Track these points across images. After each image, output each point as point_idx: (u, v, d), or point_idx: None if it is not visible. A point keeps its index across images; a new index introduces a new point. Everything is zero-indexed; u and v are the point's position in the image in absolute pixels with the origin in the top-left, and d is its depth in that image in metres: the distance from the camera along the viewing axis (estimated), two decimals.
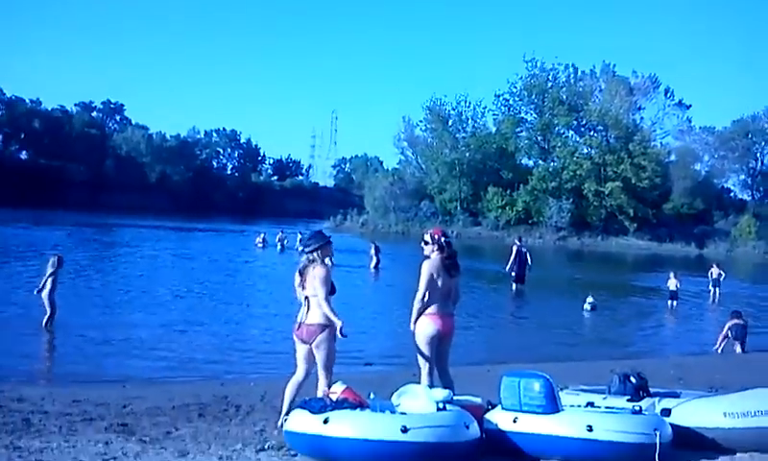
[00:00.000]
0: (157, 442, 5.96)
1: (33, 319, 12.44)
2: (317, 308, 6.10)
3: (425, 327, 6.37)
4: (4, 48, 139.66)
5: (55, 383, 8.47)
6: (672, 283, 20.06)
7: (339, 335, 6.06)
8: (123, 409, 7.21)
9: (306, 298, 6.16)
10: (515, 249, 22.22)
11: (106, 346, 11.12)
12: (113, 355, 10.53)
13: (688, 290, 22.44)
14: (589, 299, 18.14)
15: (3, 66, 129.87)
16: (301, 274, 6.21)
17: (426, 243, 6.57)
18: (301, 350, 6.26)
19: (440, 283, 6.37)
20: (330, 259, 6.43)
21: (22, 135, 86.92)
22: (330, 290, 6.16)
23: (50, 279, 12.24)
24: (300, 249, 6.41)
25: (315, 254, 6.20)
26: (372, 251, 27.03)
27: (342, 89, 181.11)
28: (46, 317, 12.06)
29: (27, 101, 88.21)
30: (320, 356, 6.13)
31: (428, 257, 6.50)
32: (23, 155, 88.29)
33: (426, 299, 6.36)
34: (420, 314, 6.37)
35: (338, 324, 6.04)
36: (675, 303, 19.91)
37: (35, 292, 12.44)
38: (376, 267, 26.35)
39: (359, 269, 25.78)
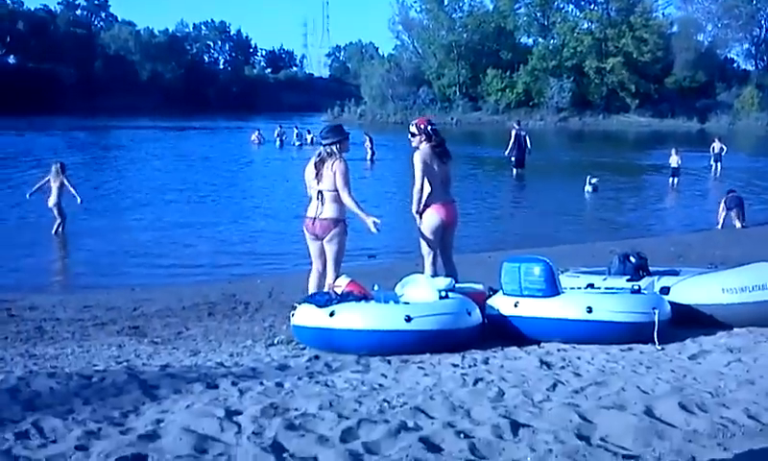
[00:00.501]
0: (169, 342, 6.13)
1: (36, 227, 12.54)
2: (331, 203, 6.04)
3: (430, 218, 6.38)
4: None
5: (64, 290, 8.61)
6: (673, 160, 20.00)
7: (372, 230, 6.02)
8: (133, 312, 7.37)
9: (320, 192, 6.06)
10: (513, 133, 22.08)
11: (110, 251, 11.22)
12: (119, 260, 10.65)
13: (690, 166, 22.40)
14: (592, 180, 18.14)
15: None
16: (317, 167, 6.10)
17: (413, 134, 6.51)
18: (315, 246, 6.21)
19: (435, 171, 6.35)
20: None
21: (7, 39, 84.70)
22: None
23: (55, 187, 12.21)
24: (319, 142, 6.25)
25: (334, 147, 6.08)
26: (367, 143, 26.62)
27: None
28: (56, 224, 12.16)
29: (8, 2, 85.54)
30: (331, 250, 6.11)
31: (417, 149, 6.46)
32: (11, 59, 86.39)
33: (425, 189, 6.36)
34: (421, 204, 6.37)
35: (368, 220, 6.00)
36: (676, 180, 19.91)
37: (27, 195, 12.56)
38: (372, 159, 26.09)
39: (355, 162, 25.60)
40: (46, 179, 12.38)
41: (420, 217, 6.43)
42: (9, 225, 13.24)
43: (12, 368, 4.97)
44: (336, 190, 6.01)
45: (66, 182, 12.40)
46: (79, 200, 12.49)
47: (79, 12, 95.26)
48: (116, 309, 7.49)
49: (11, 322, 6.92)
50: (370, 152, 26.33)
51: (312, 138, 32.58)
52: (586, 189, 17.99)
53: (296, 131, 34.47)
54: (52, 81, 77.68)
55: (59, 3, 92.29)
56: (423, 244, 6.47)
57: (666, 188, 19.75)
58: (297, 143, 33.44)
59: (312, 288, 6.30)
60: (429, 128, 6.47)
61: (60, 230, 12.18)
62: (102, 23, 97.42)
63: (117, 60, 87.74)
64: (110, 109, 64.32)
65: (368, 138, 26.90)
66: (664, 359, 4.84)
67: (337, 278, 6.05)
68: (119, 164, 25.85)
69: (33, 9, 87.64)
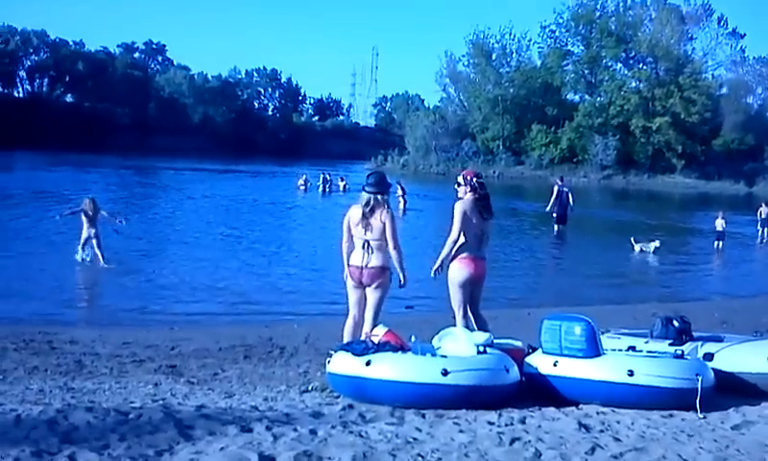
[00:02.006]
0: (205, 383, 6.16)
1: (76, 261, 12.83)
2: (378, 252, 6.08)
3: (458, 271, 6.38)
4: None
5: (105, 326, 8.73)
6: (719, 223, 19.64)
7: (402, 283, 6.14)
8: (171, 351, 7.44)
9: (367, 242, 6.09)
10: (555, 189, 21.97)
11: (151, 288, 11.40)
12: (159, 297, 10.78)
13: (736, 231, 21.98)
14: (656, 243, 17.79)
15: (47, 10, 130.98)
16: (365, 216, 6.12)
17: (459, 185, 6.54)
18: (356, 293, 6.25)
19: (471, 226, 6.34)
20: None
21: (67, 78, 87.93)
22: None
23: (86, 221, 12.55)
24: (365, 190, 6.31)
25: (382, 197, 6.13)
26: (399, 192, 26.35)
27: (382, 25, 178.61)
28: (100, 258, 12.54)
29: (71, 43, 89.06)
30: (375, 298, 6.13)
31: (461, 199, 6.48)
32: (68, 98, 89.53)
33: (460, 241, 6.36)
34: (450, 257, 6.38)
35: (402, 275, 6.11)
36: (721, 243, 19.52)
37: (57, 217, 13.24)
38: (404, 209, 25.83)
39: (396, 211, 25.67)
40: (78, 209, 12.86)
41: (444, 268, 6.43)
42: (53, 257, 13.51)
43: (51, 400, 5.05)
44: (382, 239, 6.05)
45: (104, 213, 13.01)
46: (120, 221, 13.31)
47: (137, 54, 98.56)
48: (154, 347, 7.56)
49: (51, 354, 7.04)
50: (402, 201, 26.23)
51: (345, 186, 32.83)
52: (636, 250, 17.67)
53: (341, 181, 34.73)
54: (107, 120, 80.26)
55: (118, 46, 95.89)
56: (452, 297, 6.46)
57: (711, 252, 19.36)
58: (322, 188, 33.69)
59: (347, 336, 6.29)
60: (475, 181, 6.49)
61: (103, 260, 12.52)
62: (158, 67, 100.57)
63: (170, 102, 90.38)
64: (162, 149, 65.97)
65: (399, 188, 26.67)
66: (707, 428, 4.70)
67: (375, 325, 6.04)
68: (165, 203, 26.44)
69: (93, 50, 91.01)
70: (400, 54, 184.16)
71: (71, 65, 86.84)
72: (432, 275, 6.49)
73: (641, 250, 17.74)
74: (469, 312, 6.49)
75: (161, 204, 26.30)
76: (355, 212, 6.19)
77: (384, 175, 6.51)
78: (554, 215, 21.73)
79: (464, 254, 6.37)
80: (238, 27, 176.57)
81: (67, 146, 57.57)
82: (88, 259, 12.62)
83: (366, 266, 6.12)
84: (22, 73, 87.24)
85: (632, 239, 18.18)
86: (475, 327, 6.33)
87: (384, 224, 6.03)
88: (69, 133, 69.81)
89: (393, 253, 6.07)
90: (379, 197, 6.12)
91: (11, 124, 66.80)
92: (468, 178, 6.53)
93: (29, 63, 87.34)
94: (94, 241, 12.59)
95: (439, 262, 6.47)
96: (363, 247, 6.12)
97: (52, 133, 67.76)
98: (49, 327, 8.29)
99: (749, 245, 21.28)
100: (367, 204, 6.13)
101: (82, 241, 12.65)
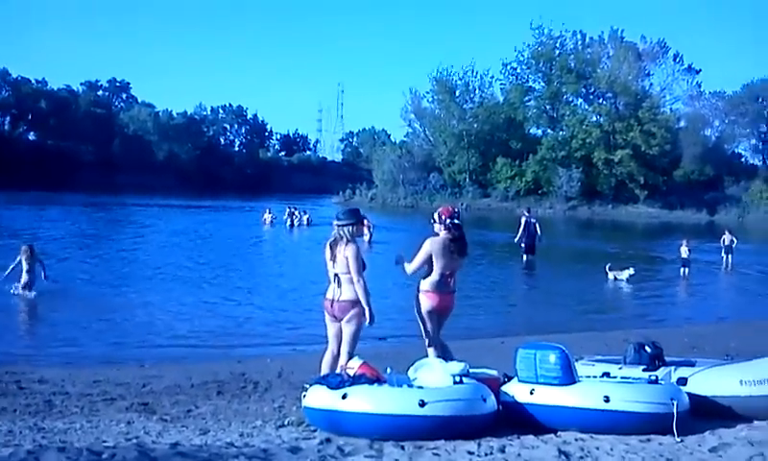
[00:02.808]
0: (178, 420, 6.05)
1: (46, 299, 12.60)
2: (348, 285, 6.09)
3: (422, 303, 6.48)
4: (8, 29, 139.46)
5: (74, 364, 8.55)
6: (684, 251, 20.02)
7: (366, 323, 6.10)
8: (143, 389, 7.31)
9: (336, 275, 6.13)
10: (523, 220, 22.24)
11: (118, 326, 11.21)
12: (128, 334, 10.61)
13: (701, 258, 22.41)
14: (630, 271, 18.02)
15: (7, 47, 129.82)
16: (332, 248, 6.18)
17: (434, 221, 6.60)
18: (333, 327, 6.26)
19: (440, 264, 6.40)
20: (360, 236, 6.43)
21: (29, 116, 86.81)
22: (362, 266, 6.15)
23: (24, 270, 13.19)
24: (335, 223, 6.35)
25: (346, 230, 6.15)
26: (365, 223, 26.42)
27: (347, 62, 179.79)
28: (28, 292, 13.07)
29: (33, 81, 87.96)
30: (348, 331, 6.14)
31: (437, 234, 6.52)
32: (31, 136, 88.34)
33: (423, 273, 6.41)
34: (417, 289, 6.47)
35: (367, 311, 6.04)
36: (687, 270, 19.87)
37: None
38: (369, 241, 26.02)
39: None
40: (18, 259, 13.30)
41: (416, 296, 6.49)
42: (13, 297, 13.24)
43: (22, 441, 4.92)
44: (350, 273, 6.06)
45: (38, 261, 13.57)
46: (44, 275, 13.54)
47: (100, 92, 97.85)
48: (125, 385, 7.43)
49: (20, 394, 6.88)
50: (368, 234, 26.22)
51: (308, 220, 32.74)
52: (609, 278, 17.87)
53: (305, 215, 34.59)
54: (71, 158, 79.20)
55: (81, 84, 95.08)
56: (422, 328, 6.54)
57: (677, 279, 19.68)
58: (289, 222, 33.49)
59: (325, 369, 6.26)
60: (449, 221, 6.53)
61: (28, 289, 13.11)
62: (122, 104, 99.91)
63: (135, 139, 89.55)
64: (127, 186, 65.24)
65: (365, 220, 26.60)
66: (684, 452, 4.75)
67: (350, 359, 6.02)
68: (130, 240, 25.99)
69: (56, 88, 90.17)
70: (366, 90, 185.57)
71: (33, 103, 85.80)
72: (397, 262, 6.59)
73: (615, 278, 17.96)
74: (435, 345, 6.52)
75: (126, 240, 25.88)
76: (327, 246, 6.25)
77: (354, 209, 6.57)
78: (522, 246, 21.96)
79: (428, 289, 6.45)
80: (203, 64, 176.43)
81: (30, 184, 56.57)
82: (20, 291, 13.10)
83: (336, 300, 6.14)
84: None
85: (606, 267, 18.39)
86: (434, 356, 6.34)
87: (347, 258, 6.06)
88: (32, 171, 68.66)
89: (356, 286, 6.06)
90: (344, 230, 6.15)
91: None
92: (444, 217, 6.56)
93: None
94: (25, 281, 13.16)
95: (405, 266, 6.56)
96: (333, 280, 6.16)
97: (14, 171, 66.59)
98: (16, 367, 8.09)
99: (714, 272, 21.68)
100: (333, 236, 6.22)
101: (21, 282, 13.21)
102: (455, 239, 6.49)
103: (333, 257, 6.15)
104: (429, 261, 6.39)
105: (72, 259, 19.04)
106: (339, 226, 6.20)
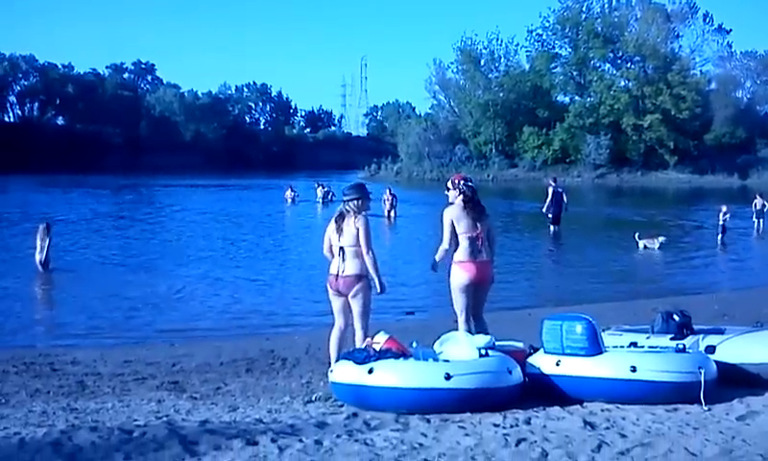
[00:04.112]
0: (208, 398, 6.15)
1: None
2: (353, 259, 6.09)
3: (457, 276, 6.38)
4: (33, 16, 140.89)
5: (105, 345, 8.70)
6: (722, 217, 19.66)
7: (378, 290, 6.10)
8: (173, 367, 7.42)
9: (341, 248, 6.13)
10: (550, 190, 22.01)
11: (149, 305, 11.33)
12: (157, 313, 10.75)
13: (732, 224, 21.98)
14: (661, 238, 17.82)
15: (33, 34, 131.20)
16: (337, 223, 6.19)
17: (449, 189, 6.57)
18: (338, 301, 6.27)
19: (462, 228, 6.33)
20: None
21: (57, 101, 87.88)
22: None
23: (39, 246, 13.69)
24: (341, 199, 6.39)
25: (353, 204, 6.17)
26: (386, 196, 26.10)
27: (370, 36, 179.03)
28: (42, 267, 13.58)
29: (59, 66, 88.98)
30: (356, 306, 6.15)
31: (452, 204, 6.48)
32: (59, 120, 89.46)
33: (453, 246, 6.35)
34: (440, 257, 6.41)
35: (378, 282, 6.07)
36: (723, 236, 19.53)
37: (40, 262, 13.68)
38: (389, 215, 25.70)
39: (373, 218, 25.27)
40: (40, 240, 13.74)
41: (437, 268, 6.45)
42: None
43: (55, 422, 5.03)
44: (357, 246, 6.07)
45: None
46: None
47: (126, 75, 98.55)
48: (156, 364, 7.55)
49: (53, 376, 7.02)
50: (388, 206, 26.09)
51: (332, 196, 32.27)
52: (640, 247, 17.68)
53: (319, 187, 34.31)
54: (99, 141, 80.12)
55: (107, 67, 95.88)
56: (454, 301, 6.46)
57: (708, 246, 19.39)
58: (321, 199, 33.22)
59: (333, 345, 6.31)
60: (463, 184, 6.49)
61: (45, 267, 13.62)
62: (148, 86, 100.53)
63: (162, 121, 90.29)
64: (154, 167, 65.84)
65: (388, 192, 26.43)
66: (712, 420, 4.71)
67: (366, 333, 6.04)
68: (156, 220, 26.25)
69: (82, 72, 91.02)
70: (389, 63, 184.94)
71: (61, 88, 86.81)
72: (434, 270, 6.49)
73: (645, 246, 17.74)
74: (477, 320, 6.47)
75: (153, 221, 26.14)
76: (332, 221, 6.28)
77: (360, 184, 6.55)
78: (549, 216, 21.78)
79: (462, 259, 6.36)
80: (227, 43, 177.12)
81: (60, 168, 57.42)
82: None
83: (341, 274, 6.14)
84: (12, 98, 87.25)
85: (636, 235, 18.17)
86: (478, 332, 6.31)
87: (357, 230, 6.06)
88: (62, 155, 69.65)
89: (365, 258, 6.07)
90: (351, 204, 6.17)
91: (2, 148, 66.72)
92: (457, 181, 6.54)
93: (18, 88, 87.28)
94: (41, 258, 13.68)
95: (434, 260, 6.47)
96: (338, 254, 6.15)
97: (44, 155, 67.61)
98: (49, 348, 8.28)
99: (746, 237, 21.31)
100: (339, 210, 6.27)
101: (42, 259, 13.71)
102: (469, 200, 6.44)
103: (339, 230, 6.15)
104: (454, 231, 6.35)
105: (99, 240, 19.35)
106: (346, 201, 6.23)
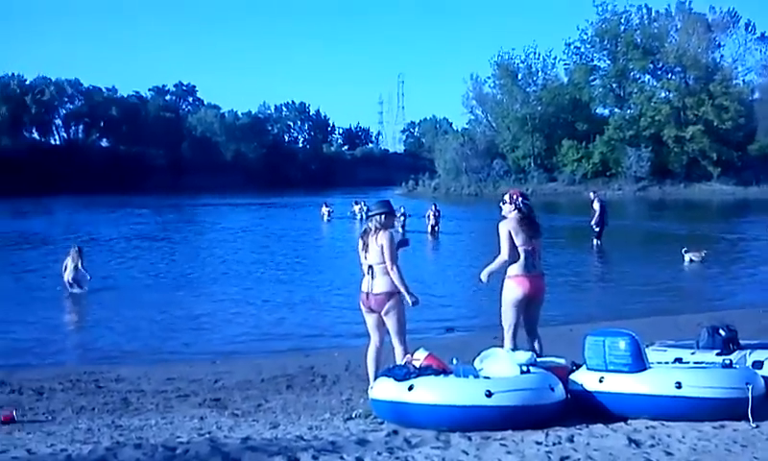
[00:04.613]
0: (249, 415, 6.19)
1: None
2: (382, 276, 6.06)
3: (511, 290, 6.35)
4: (78, 41, 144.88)
5: (148, 362, 8.83)
6: None
7: (410, 304, 6.06)
8: (214, 384, 7.50)
9: (370, 266, 6.10)
10: (598, 203, 21.68)
11: (187, 323, 11.44)
12: (196, 332, 10.83)
13: None
14: (700, 252, 17.54)
15: (79, 58, 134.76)
16: (363, 240, 6.18)
17: (504, 202, 6.53)
18: (371, 319, 6.25)
19: (520, 241, 6.30)
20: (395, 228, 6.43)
21: (101, 124, 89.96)
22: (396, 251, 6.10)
23: (69, 266, 14.02)
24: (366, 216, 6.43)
25: (377, 220, 6.13)
26: (430, 212, 26.14)
27: (407, 53, 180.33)
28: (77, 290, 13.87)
29: (103, 90, 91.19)
30: (391, 323, 6.12)
31: (505, 217, 6.45)
32: (104, 143, 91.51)
33: (510, 260, 6.31)
34: (504, 276, 6.34)
35: (407, 297, 6.01)
36: None
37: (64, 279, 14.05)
38: (432, 232, 25.60)
39: (416, 234, 25.22)
40: (71, 262, 14.09)
41: (490, 280, 6.39)
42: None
43: (100, 439, 5.12)
44: (383, 262, 6.05)
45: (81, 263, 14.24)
46: (89, 277, 14.22)
47: (168, 97, 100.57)
48: (198, 381, 7.64)
49: (98, 393, 7.15)
50: (432, 221, 26.03)
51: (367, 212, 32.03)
52: (686, 261, 17.38)
53: (358, 205, 34.30)
54: (142, 162, 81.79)
55: (150, 89, 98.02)
56: (504, 316, 6.41)
57: (754, 258, 18.92)
58: (358, 216, 33.10)
59: (371, 361, 6.30)
60: (520, 200, 6.46)
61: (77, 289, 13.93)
62: (189, 107, 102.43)
63: (203, 141, 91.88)
64: (196, 187, 66.99)
65: (433, 207, 26.47)
66: (760, 438, 4.59)
67: (406, 349, 6.03)
68: (197, 239, 26.61)
69: (126, 95, 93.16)
70: (426, 79, 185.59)
71: (105, 111, 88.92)
72: (482, 280, 6.42)
73: (691, 260, 17.39)
74: (524, 332, 6.43)
75: (195, 239, 26.58)
76: (359, 238, 6.28)
77: (385, 201, 6.51)
78: (597, 229, 21.44)
79: (517, 272, 6.33)
80: (266, 63, 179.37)
81: (104, 189, 58.76)
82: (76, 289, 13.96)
83: (371, 292, 6.12)
84: (58, 121, 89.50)
85: (682, 250, 17.82)
86: (535, 349, 6.26)
87: (382, 246, 6.03)
88: (106, 176, 71.29)
89: (391, 274, 6.02)
90: (374, 220, 6.14)
91: (49, 170, 68.54)
92: (515, 197, 6.51)
93: (64, 111, 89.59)
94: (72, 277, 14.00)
95: (486, 272, 6.40)
96: (367, 272, 6.14)
97: (89, 177, 69.20)
98: (94, 366, 8.43)
99: None
100: (364, 228, 6.27)
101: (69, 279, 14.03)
102: (526, 217, 6.40)
103: (365, 247, 6.14)
104: (513, 243, 6.31)
105: (142, 259, 19.69)
106: (370, 216, 6.24)
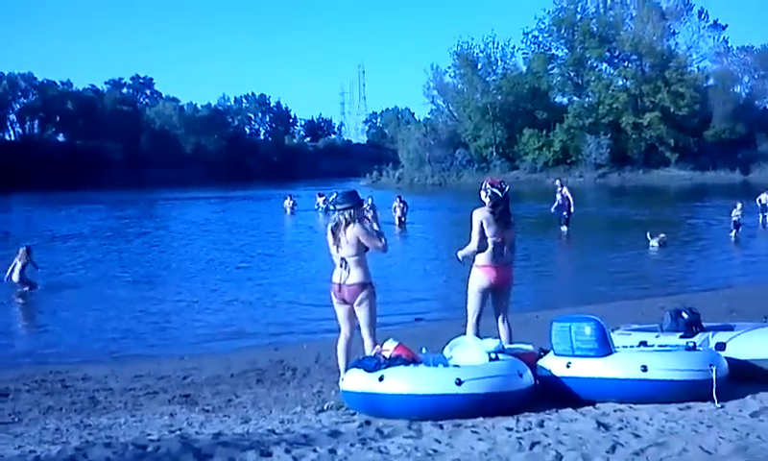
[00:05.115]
0: (220, 410, 6.16)
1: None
2: (356, 268, 6.06)
3: (477, 279, 6.42)
4: (30, 34, 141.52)
5: (115, 360, 8.72)
6: (735, 213, 19.71)
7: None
8: (183, 381, 7.44)
9: (343, 259, 6.09)
10: (566, 190, 21.91)
11: (152, 319, 11.33)
12: (162, 329, 10.72)
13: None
14: (659, 235, 17.84)
15: (31, 52, 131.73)
16: (334, 233, 6.15)
17: (483, 190, 6.55)
18: (342, 310, 6.24)
19: (491, 231, 6.35)
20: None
21: (57, 118, 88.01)
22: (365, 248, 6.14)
23: (17, 266, 13.95)
24: (333, 208, 6.39)
25: (348, 213, 6.10)
26: (396, 203, 26.12)
27: (367, 43, 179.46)
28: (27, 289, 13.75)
29: (58, 83, 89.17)
30: (363, 314, 6.12)
31: (483, 204, 6.49)
32: (60, 137, 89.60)
33: (479, 249, 6.36)
34: (468, 256, 6.41)
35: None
36: (737, 233, 19.56)
37: (5, 280, 13.89)
38: (400, 223, 25.57)
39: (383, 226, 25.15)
40: (17, 262, 14.03)
41: (466, 263, 6.49)
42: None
43: (69, 439, 5.05)
44: (358, 255, 6.05)
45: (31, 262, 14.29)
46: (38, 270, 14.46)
47: (125, 90, 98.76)
48: (166, 378, 7.56)
49: (65, 393, 7.04)
50: (399, 213, 26.01)
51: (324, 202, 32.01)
52: (651, 245, 17.69)
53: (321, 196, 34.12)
54: (99, 157, 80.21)
55: (106, 83, 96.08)
56: (469, 303, 6.49)
57: (714, 242, 19.39)
58: (322, 208, 32.94)
59: (341, 353, 6.30)
60: (491, 189, 6.46)
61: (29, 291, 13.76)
62: (147, 100, 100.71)
63: (162, 134, 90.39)
64: (156, 181, 65.91)
65: (398, 199, 26.49)
66: (725, 417, 4.71)
67: (375, 340, 6.05)
68: (157, 235, 26.07)
69: (81, 89, 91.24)
70: (387, 70, 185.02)
71: (60, 105, 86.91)
72: (458, 258, 6.54)
73: (656, 244, 17.72)
74: (494, 320, 6.52)
75: (155, 234, 26.08)
76: (329, 230, 6.23)
77: (352, 192, 6.46)
78: (566, 216, 21.66)
79: (484, 262, 6.39)
80: (224, 55, 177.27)
81: (62, 185, 57.59)
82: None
83: (344, 283, 6.11)
84: (12, 116, 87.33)
85: (647, 234, 18.13)
86: (502, 337, 6.33)
87: (357, 238, 6.03)
88: (63, 172, 69.77)
89: (381, 245, 6.07)
90: (344, 214, 6.11)
91: (4, 167, 66.85)
92: (487, 186, 6.53)
93: (18, 107, 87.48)
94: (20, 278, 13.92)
95: (462, 254, 6.50)
96: (340, 265, 6.12)
97: (46, 173, 67.72)
98: (60, 365, 8.28)
99: (751, 233, 21.29)
100: (334, 220, 6.22)
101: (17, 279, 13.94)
102: (496, 205, 6.43)
103: (337, 241, 6.12)
104: (483, 233, 6.35)
105: (100, 256, 19.38)
106: (339, 210, 6.18)
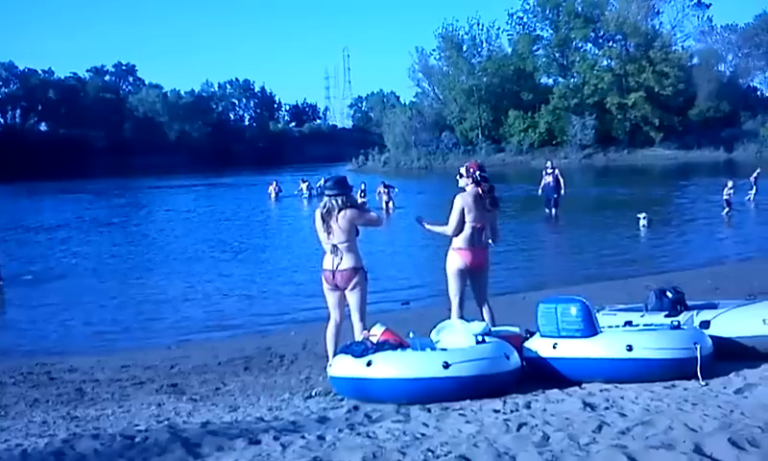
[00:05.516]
0: (208, 399, 6.15)
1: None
2: (348, 253, 6.05)
3: (453, 261, 6.43)
4: (10, 22, 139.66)
5: (102, 351, 8.67)
6: (727, 191, 19.88)
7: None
8: (171, 370, 7.42)
9: (334, 245, 6.07)
10: (557, 172, 21.95)
11: (139, 308, 11.28)
12: (148, 317, 10.69)
13: (719, 198, 22.17)
14: (642, 214, 17.95)
15: (11, 40, 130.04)
16: (324, 219, 6.11)
17: (461, 176, 6.52)
18: (333, 296, 6.23)
19: (471, 217, 6.34)
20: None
21: (39, 108, 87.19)
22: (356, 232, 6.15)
23: None
24: (323, 193, 6.38)
25: (341, 199, 6.08)
26: (381, 189, 26.12)
27: (351, 26, 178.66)
28: None
29: (39, 72, 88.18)
30: (355, 299, 6.12)
31: (463, 190, 6.47)
32: (42, 126, 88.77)
33: (456, 233, 6.37)
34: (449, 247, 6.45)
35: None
36: (729, 211, 19.76)
37: None
38: (387, 208, 25.46)
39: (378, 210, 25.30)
40: None
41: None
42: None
43: (56, 431, 5.02)
44: (349, 241, 6.04)
45: None
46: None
47: (108, 77, 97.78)
48: (153, 368, 7.54)
49: (51, 385, 7.00)
50: (385, 198, 26.00)
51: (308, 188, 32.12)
52: (641, 225, 17.78)
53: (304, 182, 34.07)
54: (83, 145, 79.53)
55: (87, 70, 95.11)
56: (449, 286, 6.51)
57: (698, 221, 19.53)
58: (307, 194, 32.97)
59: (330, 339, 6.29)
60: (478, 173, 6.45)
61: None
62: (130, 87, 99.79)
63: (145, 122, 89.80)
64: (140, 169, 65.52)
65: (382, 185, 26.48)
66: (710, 395, 4.75)
67: (365, 325, 6.06)
68: (142, 223, 25.94)
69: (63, 77, 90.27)
70: (372, 53, 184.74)
71: (42, 94, 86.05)
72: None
73: (647, 222, 17.81)
74: (477, 303, 6.55)
75: (140, 223, 25.93)
76: (318, 217, 6.18)
77: (342, 178, 6.44)
78: (555, 197, 21.69)
79: (460, 246, 6.39)
80: (207, 40, 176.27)
81: (45, 175, 57.01)
82: None
83: (337, 269, 6.09)
84: None
85: (638, 215, 18.18)
86: (485, 318, 6.35)
87: (350, 223, 6.02)
88: (46, 161, 69.10)
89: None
90: (335, 200, 6.07)
91: None
92: (471, 170, 6.48)
93: None
94: None
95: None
96: (332, 251, 6.10)
97: (29, 163, 67.06)
98: (45, 357, 8.23)
99: (739, 211, 21.42)
100: (324, 206, 6.14)
101: None
102: (485, 191, 6.43)
103: (328, 229, 6.08)
104: (463, 218, 6.36)
105: (85, 246, 19.26)
106: (330, 196, 6.12)
